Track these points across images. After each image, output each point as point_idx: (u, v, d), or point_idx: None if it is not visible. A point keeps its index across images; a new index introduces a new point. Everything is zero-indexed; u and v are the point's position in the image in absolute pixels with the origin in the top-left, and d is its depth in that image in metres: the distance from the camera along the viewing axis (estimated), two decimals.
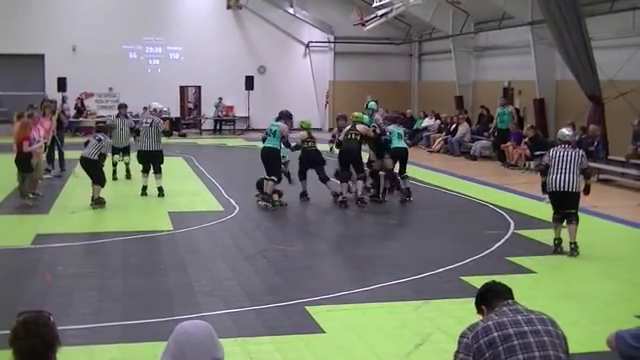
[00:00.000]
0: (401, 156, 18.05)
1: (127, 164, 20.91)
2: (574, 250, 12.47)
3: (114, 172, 20.88)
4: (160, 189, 18.38)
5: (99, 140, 17.04)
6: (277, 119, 17.53)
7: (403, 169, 18.05)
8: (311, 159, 17.74)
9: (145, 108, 23.45)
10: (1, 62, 35.87)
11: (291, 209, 17.32)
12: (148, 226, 14.79)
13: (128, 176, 21.02)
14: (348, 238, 14.88)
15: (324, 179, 17.78)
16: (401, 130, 18.62)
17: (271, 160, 16.84)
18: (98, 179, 16.95)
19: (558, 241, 12.67)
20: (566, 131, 13.41)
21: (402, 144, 18.14)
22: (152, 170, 18.41)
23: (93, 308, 9.50)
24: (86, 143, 17.47)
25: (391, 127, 18.42)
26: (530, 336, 4.59)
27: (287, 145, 17.22)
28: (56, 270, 11.40)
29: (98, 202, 16.90)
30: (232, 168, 25.13)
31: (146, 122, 18.55)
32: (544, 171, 12.75)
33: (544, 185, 12.75)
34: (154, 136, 18.38)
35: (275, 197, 17.11)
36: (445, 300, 9.88)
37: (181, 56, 38.32)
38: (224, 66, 37.57)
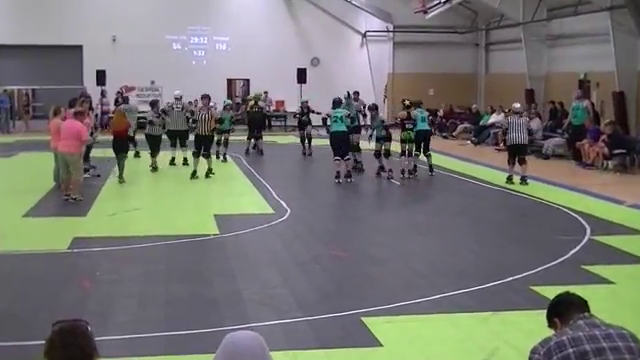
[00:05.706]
0: (424, 136, 22.32)
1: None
2: (525, 181, 20.22)
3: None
4: (185, 159, 23.79)
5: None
6: (336, 106, 21.16)
7: (427, 148, 22.46)
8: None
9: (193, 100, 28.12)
10: (37, 54, 36.52)
11: (346, 212, 17.34)
12: (192, 229, 14.86)
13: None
14: (407, 243, 14.78)
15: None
16: (425, 114, 22.92)
17: (344, 142, 20.43)
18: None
19: (511, 176, 20.65)
20: (517, 105, 21.55)
21: (425, 126, 22.54)
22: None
23: (133, 317, 9.59)
24: (151, 121, 23.44)
25: (416, 111, 22.24)
26: (609, 353, 4.50)
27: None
28: (94, 276, 11.54)
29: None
30: (283, 167, 25.22)
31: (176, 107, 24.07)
32: (505, 132, 21.37)
33: (504, 141, 21.03)
34: (183, 118, 23.91)
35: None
36: (514, 312, 9.79)
37: (228, 47, 38.63)
38: (274, 58, 37.71)
